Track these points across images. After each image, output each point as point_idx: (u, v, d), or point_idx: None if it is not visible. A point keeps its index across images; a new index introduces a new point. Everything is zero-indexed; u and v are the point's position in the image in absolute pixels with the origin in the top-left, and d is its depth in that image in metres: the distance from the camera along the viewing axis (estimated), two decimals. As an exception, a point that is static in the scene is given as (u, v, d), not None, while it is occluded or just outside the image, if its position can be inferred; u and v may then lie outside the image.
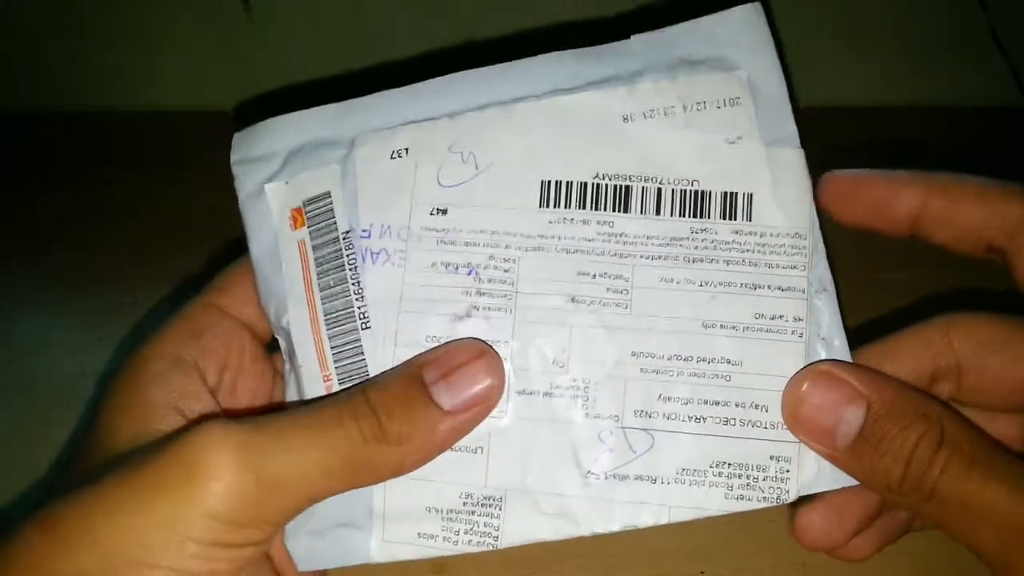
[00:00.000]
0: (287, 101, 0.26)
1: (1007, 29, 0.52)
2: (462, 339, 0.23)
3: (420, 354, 0.23)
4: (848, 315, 0.42)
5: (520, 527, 0.23)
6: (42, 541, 0.19)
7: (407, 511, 0.23)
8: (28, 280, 0.44)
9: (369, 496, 0.23)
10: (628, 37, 0.25)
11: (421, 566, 0.32)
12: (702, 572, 0.32)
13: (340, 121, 0.25)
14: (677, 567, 0.32)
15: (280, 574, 0.24)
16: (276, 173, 0.25)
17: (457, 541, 0.23)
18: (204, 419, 0.21)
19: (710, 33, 0.24)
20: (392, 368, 0.23)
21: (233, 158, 0.26)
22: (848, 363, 0.23)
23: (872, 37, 0.54)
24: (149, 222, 0.46)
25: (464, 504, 0.23)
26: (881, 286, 0.44)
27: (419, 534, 0.23)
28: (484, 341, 0.23)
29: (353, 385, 0.24)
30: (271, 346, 0.26)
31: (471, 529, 0.23)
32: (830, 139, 0.54)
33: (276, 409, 0.23)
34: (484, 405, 0.22)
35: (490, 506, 0.23)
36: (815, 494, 0.23)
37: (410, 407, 0.21)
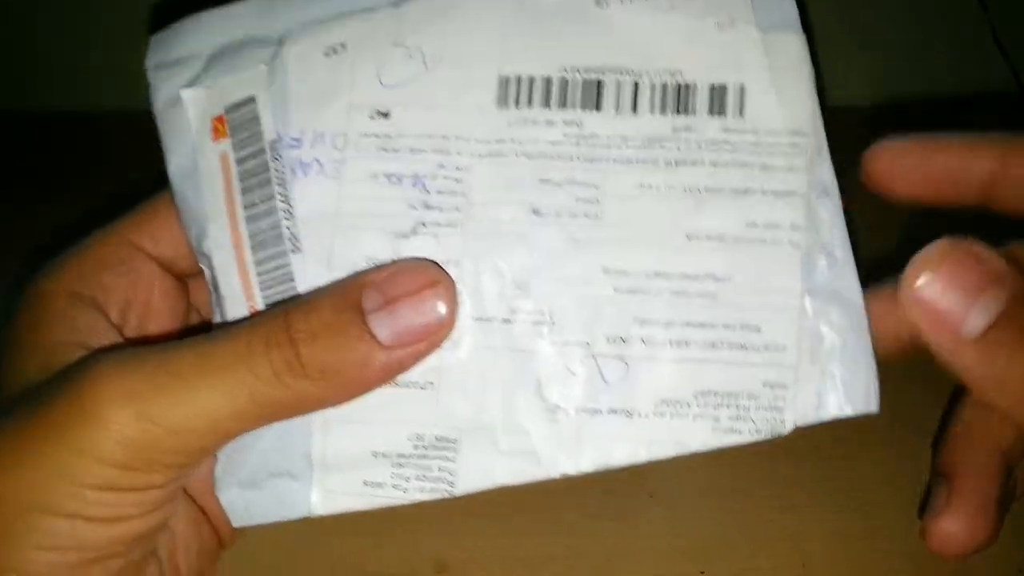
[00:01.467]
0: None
1: (1007, 29, 0.52)
2: (412, 260, 0.20)
3: (360, 272, 0.20)
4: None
5: (478, 471, 0.21)
6: None
7: (351, 458, 0.21)
8: (28, 280, 0.44)
9: (307, 442, 0.21)
10: None
11: (422, 565, 0.32)
12: (702, 572, 0.32)
13: (268, 15, 0.22)
14: (677, 567, 0.32)
15: (204, 509, 0.23)
16: (196, 78, 0.22)
17: (408, 488, 0.21)
18: (99, 353, 0.19)
19: None
20: (324, 287, 0.20)
21: (148, 63, 0.23)
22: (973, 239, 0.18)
23: (872, 37, 0.54)
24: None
25: (415, 448, 0.21)
26: (881, 285, 0.44)
27: (365, 482, 0.21)
28: (438, 265, 0.20)
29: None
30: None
31: (423, 475, 0.21)
32: (829, 139, 0.54)
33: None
34: (430, 342, 0.19)
35: (443, 448, 0.21)
36: (943, 496, 0.20)
37: (340, 336, 0.19)
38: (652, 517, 0.33)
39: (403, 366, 0.19)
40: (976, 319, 0.17)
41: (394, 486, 0.21)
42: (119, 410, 0.18)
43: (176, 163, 0.22)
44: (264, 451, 0.21)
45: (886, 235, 0.46)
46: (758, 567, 0.32)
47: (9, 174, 0.49)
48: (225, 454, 0.21)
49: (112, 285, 0.23)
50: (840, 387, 0.20)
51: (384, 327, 0.19)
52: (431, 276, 0.19)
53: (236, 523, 0.21)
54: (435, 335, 0.19)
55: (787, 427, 0.20)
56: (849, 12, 0.53)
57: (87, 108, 0.52)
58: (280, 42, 0.22)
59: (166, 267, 0.24)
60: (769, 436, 0.20)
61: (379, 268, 0.20)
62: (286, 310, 0.19)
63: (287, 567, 0.32)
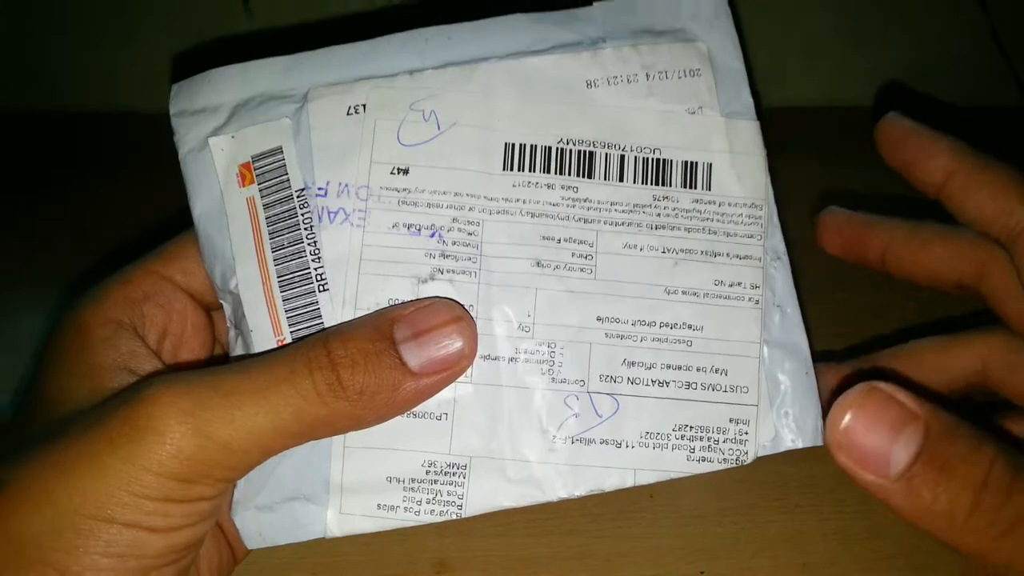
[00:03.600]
0: (229, 54, 0.25)
1: (1007, 29, 0.52)
2: (438, 298, 0.23)
3: (391, 307, 0.22)
4: (848, 314, 0.42)
5: (485, 495, 0.23)
6: None
7: (366, 482, 0.22)
8: (29, 280, 0.44)
9: (326, 467, 0.22)
10: (591, 3, 0.25)
11: (422, 565, 0.32)
12: (702, 572, 0.32)
13: (291, 74, 0.24)
14: (677, 567, 0.32)
15: (221, 525, 0.24)
16: (221, 127, 0.24)
17: (419, 511, 0.23)
18: (154, 375, 0.21)
19: (671, 4, 0.25)
20: (358, 318, 0.23)
21: (172, 110, 0.24)
22: (891, 382, 0.20)
23: (872, 37, 0.54)
24: (150, 223, 0.46)
25: (427, 473, 0.23)
26: (881, 286, 0.44)
27: (379, 505, 0.22)
28: (460, 304, 0.22)
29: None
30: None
31: (434, 498, 0.23)
32: (829, 139, 0.54)
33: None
34: (453, 371, 0.22)
35: (454, 474, 0.23)
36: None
37: (376, 363, 0.21)
38: (652, 517, 0.33)
39: (429, 392, 0.22)
40: (899, 457, 0.19)
41: (406, 508, 0.23)
42: (176, 426, 0.19)
43: (201, 206, 0.24)
44: (282, 476, 0.22)
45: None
46: (758, 567, 0.32)
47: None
48: (245, 479, 0.22)
49: (151, 315, 0.24)
50: (793, 424, 0.23)
51: (413, 356, 0.21)
52: (455, 313, 0.22)
53: (251, 545, 0.23)
54: (458, 365, 0.22)
55: (749, 458, 0.23)
56: (849, 12, 0.53)
57: (75, 108, 0.52)
58: (304, 99, 0.24)
59: (196, 300, 0.26)
60: (735, 465, 0.23)
61: (406, 304, 0.22)
62: (325, 339, 0.21)
63: (287, 567, 0.32)
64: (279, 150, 0.23)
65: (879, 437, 0.19)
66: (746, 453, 0.23)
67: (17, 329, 0.42)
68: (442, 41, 0.24)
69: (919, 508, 0.19)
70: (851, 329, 0.41)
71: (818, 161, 0.53)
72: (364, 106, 0.23)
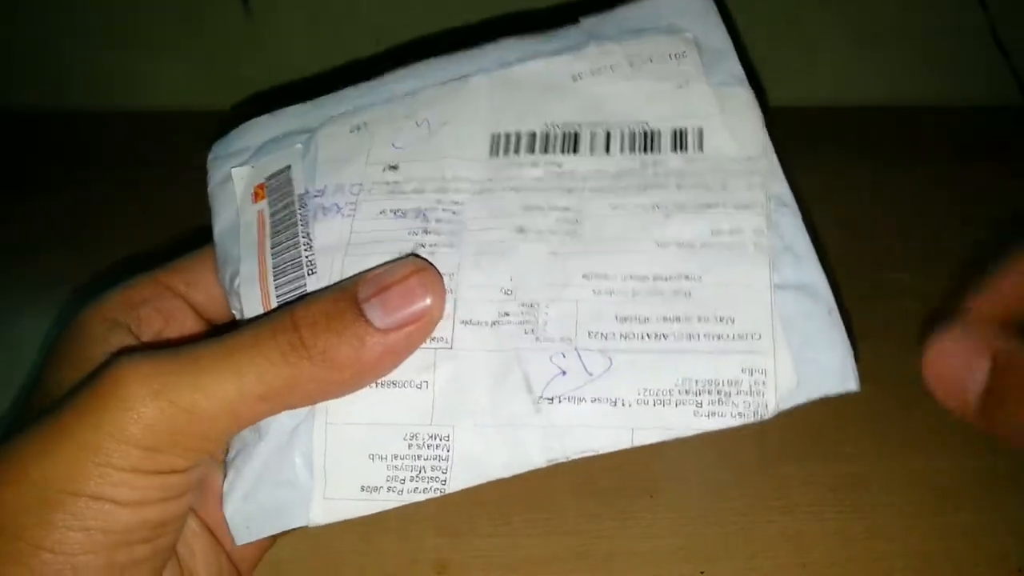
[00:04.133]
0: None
1: (1007, 29, 0.52)
2: (403, 257, 0.23)
3: (357, 273, 0.22)
4: (848, 315, 0.42)
5: (469, 467, 0.22)
6: None
7: (349, 462, 0.22)
8: (28, 280, 0.44)
9: (308, 447, 0.22)
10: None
11: (422, 565, 0.32)
12: (702, 572, 0.32)
13: (308, 114, 0.26)
14: (677, 567, 0.32)
15: (223, 543, 0.24)
16: (245, 162, 0.26)
17: (403, 491, 0.22)
18: (122, 351, 0.21)
19: (656, 10, 0.26)
20: (327, 286, 0.23)
21: (209, 158, 0.27)
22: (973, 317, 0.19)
23: (872, 37, 0.54)
24: (149, 222, 0.46)
25: (409, 447, 0.22)
26: (881, 286, 0.44)
27: (362, 487, 0.22)
28: (423, 259, 0.22)
29: None
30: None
31: (417, 475, 0.22)
32: (830, 139, 0.54)
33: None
34: (421, 324, 0.21)
35: (437, 446, 0.22)
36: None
37: (338, 319, 0.20)
38: (652, 517, 0.33)
39: (399, 351, 0.21)
40: (973, 387, 0.18)
41: (389, 488, 0.22)
42: (140, 391, 0.19)
43: (220, 225, 0.26)
44: (265, 462, 0.22)
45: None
46: (758, 567, 0.32)
47: None
48: (235, 468, 0.22)
49: (147, 318, 0.25)
50: (817, 369, 0.21)
51: (377, 313, 0.21)
52: (416, 265, 0.22)
53: (240, 540, 0.22)
54: (424, 317, 0.21)
55: (770, 410, 0.21)
56: (849, 12, 0.53)
57: (75, 108, 0.52)
58: (315, 129, 0.26)
59: (198, 311, 0.26)
60: (753, 419, 0.21)
61: (373, 267, 0.22)
62: (291, 305, 0.21)
63: (287, 567, 0.32)
64: (288, 168, 0.25)
65: (954, 370, 0.19)
66: (765, 405, 0.21)
67: (12, 327, 0.42)
68: (441, 66, 0.26)
69: (997, 430, 0.19)
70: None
71: (816, 161, 0.53)
72: (365, 123, 0.25)
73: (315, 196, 0.24)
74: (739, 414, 0.21)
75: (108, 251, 0.45)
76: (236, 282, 0.24)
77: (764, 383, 0.21)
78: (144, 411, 0.19)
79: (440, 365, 0.22)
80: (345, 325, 0.20)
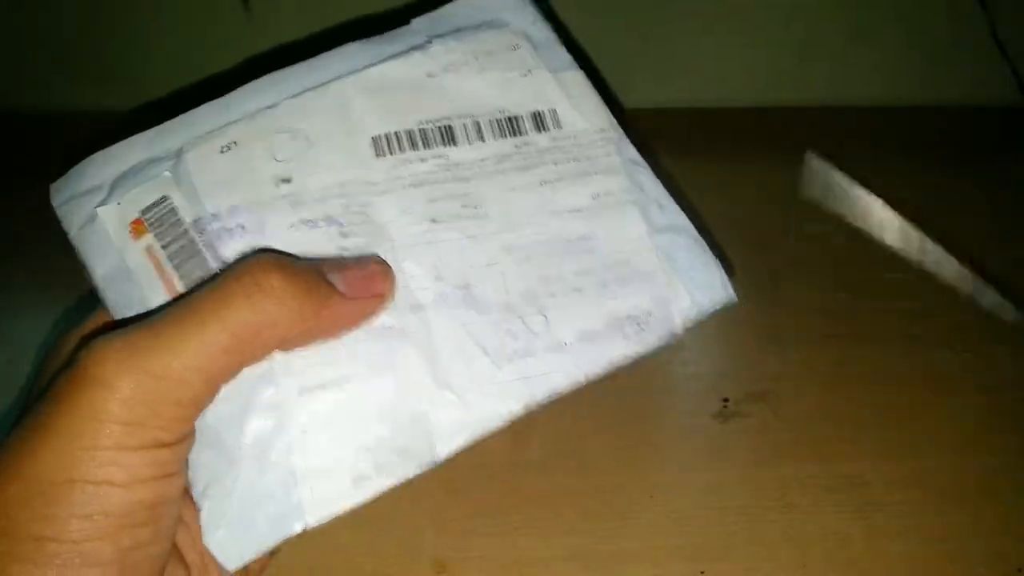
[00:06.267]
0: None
1: (1007, 29, 0.52)
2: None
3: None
4: (849, 315, 0.42)
5: (452, 434, 0.23)
6: None
7: (333, 459, 0.23)
8: (28, 280, 0.44)
9: (288, 459, 0.22)
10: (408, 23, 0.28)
11: (422, 565, 0.32)
12: (702, 572, 0.32)
13: (160, 139, 0.26)
14: (677, 567, 0.32)
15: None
16: (105, 200, 0.25)
17: (394, 471, 0.23)
18: (90, 337, 0.21)
19: (479, 7, 0.28)
20: None
21: (55, 203, 0.25)
22: None
23: (872, 37, 0.54)
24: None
25: (390, 432, 0.23)
26: (881, 286, 0.44)
27: (353, 479, 0.23)
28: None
29: None
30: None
31: (405, 452, 0.23)
32: (830, 139, 0.54)
33: None
34: (378, 298, 0.23)
35: (416, 424, 0.23)
36: None
37: (303, 271, 0.21)
38: (652, 517, 0.33)
39: (356, 316, 0.23)
40: None
41: (379, 473, 0.23)
42: (113, 367, 0.19)
43: (103, 270, 0.25)
44: (247, 485, 0.22)
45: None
46: (758, 567, 0.32)
47: None
48: (209, 499, 0.22)
49: None
50: (702, 287, 0.26)
51: (338, 279, 0.22)
52: (369, 256, 0.24)
53: (230, 566, 0.22)
54: (383, 284, 0.23)
55: (680, 328, 0.26)
56: (849, 12, 0.53)
57: (75, 108, 0.52)
58: (179, 153, 0.25)
59: None
60: (669, 338, 0.25)
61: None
62: (246, 258, 0.22)
63: (287, 567, 0.32)
64: (166, 198, 0.25)
65: None
66: (676, 326, 0.25)
67: (12, 327, 0.42)
68: (290, 77, 0.26)
69: None
70: (845, 330, 0.41)
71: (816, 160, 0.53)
72: (235, 142, 0.25)
73: (212, 220, 0.24)
74: (659, 337, 0.25)
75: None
76: None
77: (670, 309, 0.26)
78: (119, 385, 0.19)
79: (400, 351, 0.24)
80: (309, 276, 0.21)
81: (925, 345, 0.40)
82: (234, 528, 0.22)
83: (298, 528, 0.22)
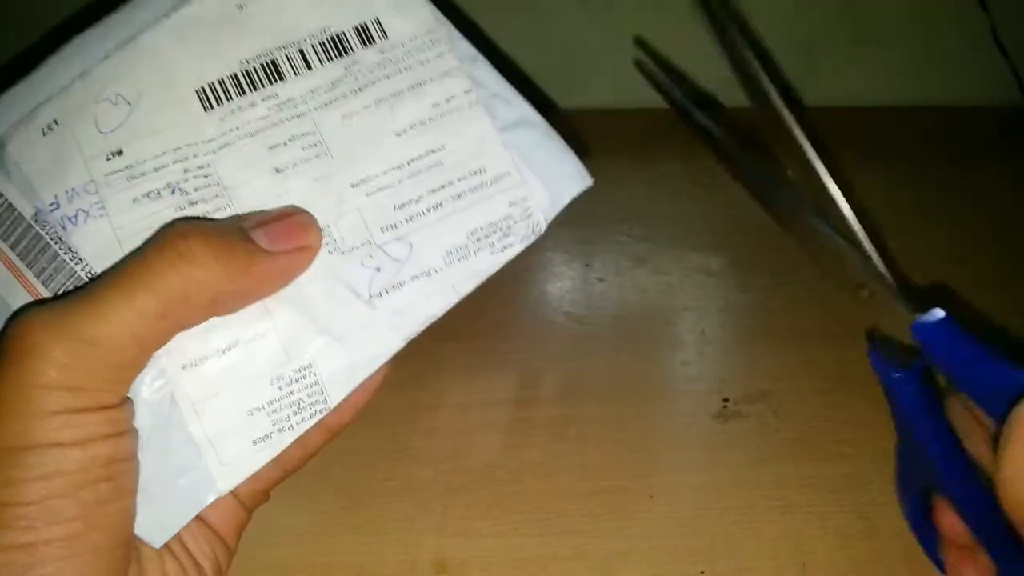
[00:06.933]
0: None
1: (1007, 29, 0.52)
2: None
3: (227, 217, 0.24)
4: (849, 315, 0.42)
5: (342, 379, 0.24)
6: None
7: (230, 425, 0.23)
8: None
9: (185, 432, 0.23)
10: None
11: (422, 565, 0.32)
12: (702, 572, 0.32)
13: None
14: (677, 567, 0.32)
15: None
16: None
17: (292, 426, 0.23)
18: (20, 310, 0.22)
19: None
20: None
21: None
22: None
23: (873, 38, 0.54)
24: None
25: (280, 389, 0.23)
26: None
27: (254, 441, 0.23)
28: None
29: None
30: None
31: (299, 407, 0.23)
32: (830, 139, 0.54)
33: None
34: (304, 251, 0.23)
35: (304, 377, 0.24)
36: None
37: (226, 231, 0.22)
38: (652, 517, 0.33)
39: (284, 271, 0.23)
40: None
41: (279, 430, 0.23)
42: (44, 336, 0.20)
43: None
44: (151, 466, 0.22)
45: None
46: (758, 567, 0.32)
47: None
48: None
49: None
50: (560, 178, 0.25)
51: (261, 236, 0.22)
52: (288, 207, 0.24)
53: (157, 542, 0.22)
54: (306, 234, 0.23)
55: (543, 225, 0.25)
56: (850, 13, 0.53)
57: None
58: (0, 145, 0.24)
59: None
60: (535, 237, 0.25)
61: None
62: (169, 224, 0.22)
63: (287, 567, 0.32)
64: (0, 195, 0.24)
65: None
66: (537, 222, 0.25)
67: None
68: (94, 39, 0.25)
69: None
70: (845, 329, 0.41)
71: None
72: (56, 121, 0.24)
73: (52, 210, 0.23)
74: (523, 237, 0.25)
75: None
76: None
77: (529, 206, 0.25)
78: (55, 354, 0.19)
79: (272, 310, 0.24)
80: (232, 235, 0.22)
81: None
82: (152, 509, 0.22)
83: (211, 498, 0.23)
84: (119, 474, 0.21)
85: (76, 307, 0.20)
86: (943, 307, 0.22)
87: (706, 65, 0.56)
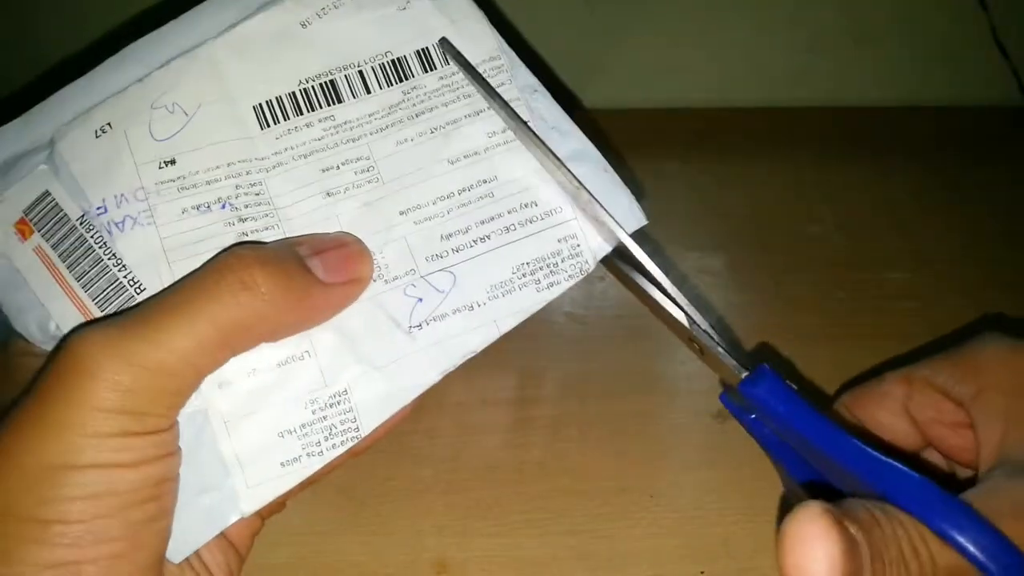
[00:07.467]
0: None
1: (1007, 29, 0.52)
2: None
3: (283, 239, 0.23)
4: (848, 315, 0.42)
5: (374, 407, 0.23)
6: None
7: (260, 446, 0.23)
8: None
9: (215, 451, 0.22)
10: None
11: (422, 565, 0.32)
12: (702, 572, 0.32)
13: (28, 130, 0.24)
14: (677, 567, 0.32)
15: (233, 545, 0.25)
16: None
17: (322, 451, 0.23)
18: (75, 330, 0.22)
19: None
20: None
21: None
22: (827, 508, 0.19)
23: (873, 38, 0.54)
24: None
25: (313, 413, 0.23)
26: (881, 286, 0.44)
27: (282, 463, 0.23)
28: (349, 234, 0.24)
29: None
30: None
31: (330, 432, 0.23)
32: (830, 139, 0.54)
33: None
34: (358, 283, 0.23)
35: (338, 403, 0.23)
36: None
37: (285, 263, 0.21)
38: (652, 517, 0.33)
39: (337, 303, 0.23)
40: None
41: (308, 455, 0.23)
42: (105, 362, 0.19)
43: None
44: (183, 482, 0.22)
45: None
46: (758, 567, 0.32)
47: None
48: None
49: None
50: (614, 219, 0.24)
51: (317, 265, 0.22)
52: (344, 236, 0.24)
53: (176, 559, 0.22)
54: (361, 279, 0.23)
55: (591, 264, 0.25)
56: (850, 13, 0.53)
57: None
58: (51, 143, 0.24)
59: None
60: (581, 275, 0.25)
61: (300, 236, 0.24)
62: (225, 252, 0.22)
63: (287, 567, 0.32)
64: (47, 194, 0.24)
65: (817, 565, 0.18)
66: (586, 261, 0.24)
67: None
68: (156, 44, 0.25)
69: None
70: (845, 330, 0.41)
71: (817, 161, 0.53)
72: (109, 124, 0.24)
73: (99, 214, 0.23)
74: (570, 276, 0.24)
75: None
76: (51, 326, 0.23)
77: (578, 244, 0.24)
78: (118, 379, 0.19)
79: (312, 333, 0.23)
80: (292, 268, 0.22)
81: (925, 345, 0.40)
82: (175, 525, 0.22)
83: (234, 519, 0.22)
84: (165, 494, 0.21)
85: (135, 331, 0.20)
86: (767, 363, 0.23)
87: (698, 67, 0.56)
